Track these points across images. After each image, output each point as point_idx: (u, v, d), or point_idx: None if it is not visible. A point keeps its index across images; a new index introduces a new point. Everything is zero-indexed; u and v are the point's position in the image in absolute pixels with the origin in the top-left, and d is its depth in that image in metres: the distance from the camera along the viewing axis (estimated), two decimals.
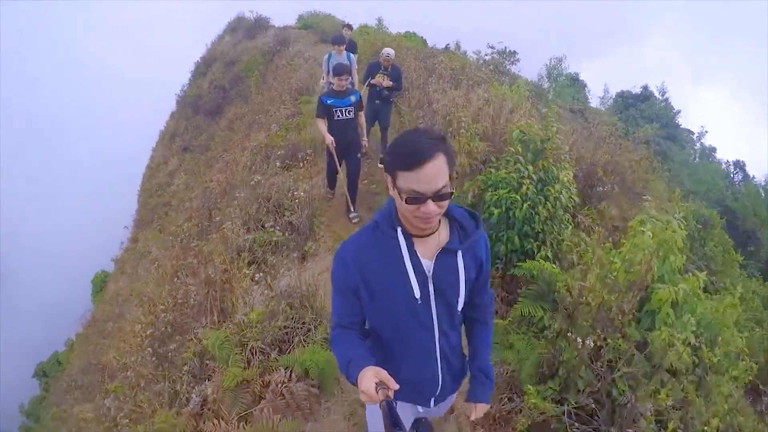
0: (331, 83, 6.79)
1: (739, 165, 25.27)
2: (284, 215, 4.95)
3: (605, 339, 2.97)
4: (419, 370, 1.66)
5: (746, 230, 15.53)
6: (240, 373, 3.24)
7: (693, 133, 21.08)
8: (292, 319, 3.47)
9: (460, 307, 1.59)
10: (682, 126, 16.82)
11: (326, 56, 7.31)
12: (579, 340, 2.85)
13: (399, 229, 1.48)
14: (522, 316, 3.65)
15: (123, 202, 22.32)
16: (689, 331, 2.98)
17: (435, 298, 1.54)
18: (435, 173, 1.30)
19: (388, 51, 6.24)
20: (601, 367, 2.95)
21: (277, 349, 3.34)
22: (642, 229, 3.27)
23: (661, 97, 15.98)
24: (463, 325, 1.80)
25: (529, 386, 2.78)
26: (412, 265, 1.49)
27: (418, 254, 1.50)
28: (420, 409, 1.80)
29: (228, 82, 15.49)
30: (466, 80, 7.36)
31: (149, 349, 4.20)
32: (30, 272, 30.65)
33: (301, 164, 5.95)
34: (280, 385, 3.07)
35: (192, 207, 7.85)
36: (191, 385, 3.63)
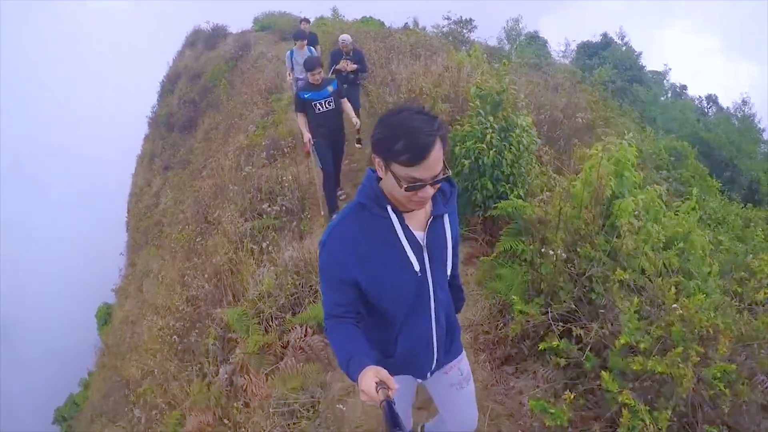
0: (299, 79, 6.98)
1: (712, 99, 25.73)
2: (276, 201, 5.34)
3: (575, 249, 3.41)
4: (417, 340, 1.69)
5: (723, 159, 16.05)
6: (261, 339, 3.65)
7: (660, 73, 21.55)
8: (300, 285, 3.88)
9: (449, 269, 1.66)
10: (647, 68, 17.31)
11: (288, 53, 7.50)
12: (551, 252, 3.28)
13: (389, 208, 1.49)
14: (505, 251, 4.10)
15: (112, 232, 22.54)
16: (655, 236, 3.42)
17: (431, 267, 1.59)
18: (435, 161, 1.32)
19: (344, 37, 6.58)
20: (577, 274, 3.39)
21: (290, 311, 3.75)
22: (596, 152, 3.71)
23: (621, 42, 16.44)
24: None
25: (514, 297, 3.21)
26: (408, 240, 1.52)
27: (410, 228, 1.53)
28: (417, 381, 1.86)
29: (197, 95, 15.74)
30: (425, 52, 7.76)
31: (175, 337, 4.58)
32: (32, 320, 30.81)
33: (285, 150, 6.27)
34: (298, 341, 3.48)
35: (186, 217, 8.19)
36: (217, 363, 4.03)
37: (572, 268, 3.32)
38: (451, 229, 1.62)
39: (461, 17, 13.24)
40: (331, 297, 1.56)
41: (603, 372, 2.56)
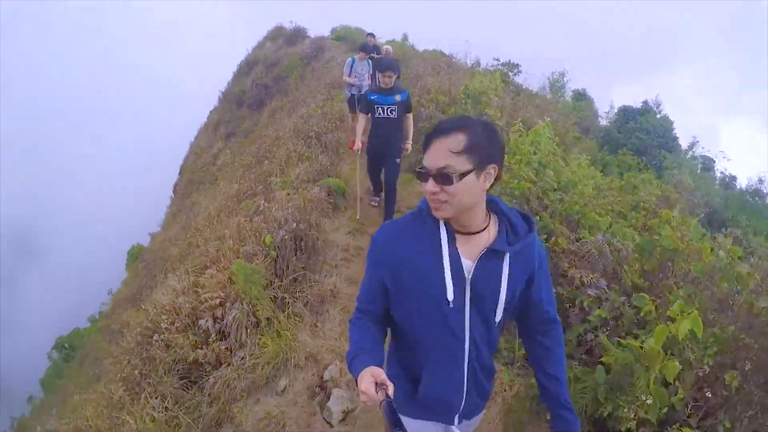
0: (352, 86, 8.50)
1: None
2: (320, 139, 8.55)
3: None
4: (442, 383, 1.68)
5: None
6: (292, 191, 6.77)
7: (710, 159, 23.45)
8: (323, 171, 7.04)
9: (498, 318, 1.62)
10: (679, 139, 19.59)
11: (349, 60, 8.71)
12: None
13: (442, 221, 1.54)
14: None
15: (160, 190, 26.49)
16: (551, 179, 6.16)
17: (471, 305, 1.57)
18: (439, 150, 1.44)
19: (387, 47, 9.89)
20: None
21: (313, 181, 6.89)
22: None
23: (656, 109, 19.09)
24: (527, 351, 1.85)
25: None
26: (450, 263, 1.53)
27: (460, 252, 1.54)
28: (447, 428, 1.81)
29: (270, 80, 19.51)
30: (454, 69, 11.00)
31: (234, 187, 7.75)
32: (66, 254, 35.32)
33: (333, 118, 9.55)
34: (314, 193, 6.58)
35: (248, 159, 11.51)
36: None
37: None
38: (511, 278, 1.58)
39: (509, 60, 16.51)
40: (364, 290, 1.70)
41: None
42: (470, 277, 1.54)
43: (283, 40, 24.05)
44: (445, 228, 1.54)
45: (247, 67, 23.45)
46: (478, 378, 1.71)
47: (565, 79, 18.56)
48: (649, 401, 2.58)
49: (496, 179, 1.51)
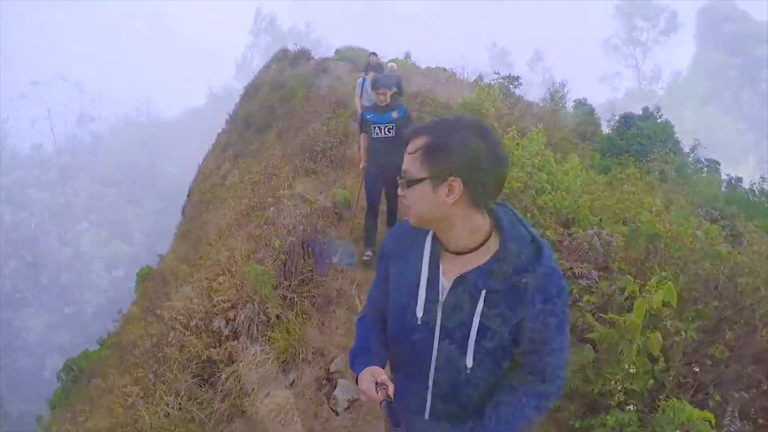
0: (365, 106, 8.13)
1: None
2: (326, 155, 8.85)
3: None
4: (405, 397, 1.56)
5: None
6: (301, 205, 7.05)
7: (715, 162, 23.40)
8: (329, 184, 7.31)
9: (468, 359, 1.41)
10: (682, 142, 19.61)
11: (360, 80, 8.37)
12: None
13: (431, 233, 1.45)
14: None
15: (169, 215, 26.98)
16: (544, 182, 6.38)
17: (441, 330, 1.44)
18: (407, 155, 1.38)
19: (392, 65, 10.22)
20: None
21: (322, 194, 7.16)
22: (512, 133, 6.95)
23: (656, 114, 19.19)
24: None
25: None
26: (427, 279, 1.43)
27: (441, 269, 1.43)
28: None
29: (276, 102, 20.00)
30: (453, 84, 11.37)
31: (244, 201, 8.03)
32: (78, 280, 35.85)
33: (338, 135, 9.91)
34: (323, 203, 6.84)
35: (255, 177, 11.84)
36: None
37: None
38: (486, 316, 1.37)
39: (509, 74, 16.81)
40: (372, 289, 1.68)
41: None
42: (442, 299, 1.42)
43: (287, 62, 24.70)
44: (431, 241, 1.45)
45: (253, 89, 24.04)
46: (443, 423, 1.55)
47: (565, 89, 18.82)
48: (632, 370, 2.75)
49: (468, 195, 1.32)
